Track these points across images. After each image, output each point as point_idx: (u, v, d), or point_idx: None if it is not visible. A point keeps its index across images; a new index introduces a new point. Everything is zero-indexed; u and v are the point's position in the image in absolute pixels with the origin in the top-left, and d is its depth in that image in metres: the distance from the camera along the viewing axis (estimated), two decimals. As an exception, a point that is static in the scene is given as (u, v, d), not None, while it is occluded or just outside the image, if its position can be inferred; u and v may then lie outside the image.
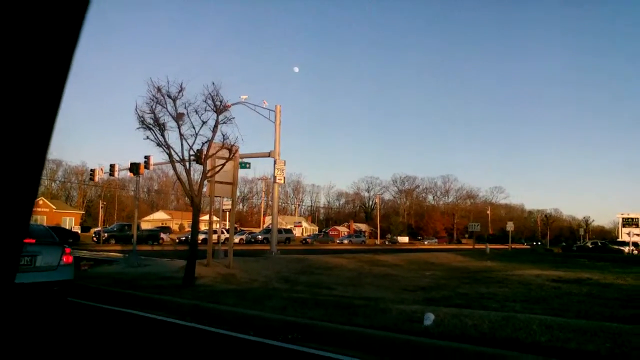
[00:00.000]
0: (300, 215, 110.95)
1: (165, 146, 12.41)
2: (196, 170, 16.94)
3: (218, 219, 28.35)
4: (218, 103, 12.61)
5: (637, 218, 78.80)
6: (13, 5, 0.66)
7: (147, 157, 31.01)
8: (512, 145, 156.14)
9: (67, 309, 9.95)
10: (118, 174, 38.62)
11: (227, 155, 13.90)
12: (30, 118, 0.72)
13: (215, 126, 12.66)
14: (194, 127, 12.43)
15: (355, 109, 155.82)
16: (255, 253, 27.13)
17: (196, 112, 12.39)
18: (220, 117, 12.73)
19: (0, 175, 0.71)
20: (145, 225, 63.44)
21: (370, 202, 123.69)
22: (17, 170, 0.73)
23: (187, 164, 12.72)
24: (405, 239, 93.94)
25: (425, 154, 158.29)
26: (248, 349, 6.67)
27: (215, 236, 22.74)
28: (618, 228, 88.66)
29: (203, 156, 13.10)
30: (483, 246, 52.30)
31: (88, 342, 7.02)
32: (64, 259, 8.88)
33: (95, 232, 46.45)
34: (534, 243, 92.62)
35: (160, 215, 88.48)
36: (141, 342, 7.24)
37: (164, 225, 67.07)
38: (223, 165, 13.89)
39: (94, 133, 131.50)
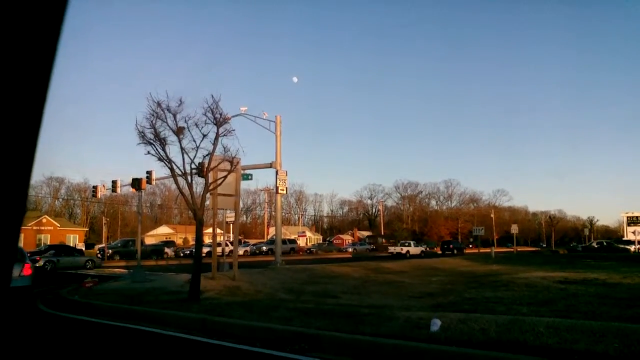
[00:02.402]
0: (303, 225, 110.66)
1: (167, 160, 12.45)
2: (198, 183, 16.94)
3: (222, 232, 28.35)
4: (218, 116, 12.66)
5: (642, 216, 78.58)
6: None
7: (149, 172, 31.15)
8: (514, 148, 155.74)
9: (75, 326, 9.96)
10: (120, 190, 38.82)
11: (228, 167, 13.93)
12: (11, 131, 0.74)
13: (216, 139, 12.71)
14: (194, 141, 12.47)
15: (355, 116, 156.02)
16: (260, 264, 27.11)
17: (196, 125, 12.44)
18: (221, 129, 12.78)
19: None
20: (149, 240, 63.45)
21: (374, 210, 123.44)
22: (5, 183, 0.75)
23: (189, 177, 12.75)
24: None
25: (427, 159, 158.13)
26: (255, 361, 6.66)
27: (219, 249, 22.71)
28: (623, 227, 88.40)
29: (205, 169, 13.14)
30: (488, 250, 52.11)
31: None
32: (24, 271, 11.61)
33: (99, 249, 46.38)
34: (550, 246, 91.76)
35: (163, 230, 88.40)
36: (149, 358, 7.23)
37: (167, 239, 66.99)
38: (225, 177, 13.93)
39: (96, 150, 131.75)
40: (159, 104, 12.18)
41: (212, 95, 12.69)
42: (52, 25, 0.74)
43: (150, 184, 32.63)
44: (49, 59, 0.74)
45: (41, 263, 29.63)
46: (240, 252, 41.24)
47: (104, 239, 68.50)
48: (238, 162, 15.12)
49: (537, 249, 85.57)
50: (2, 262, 0.81)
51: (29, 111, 0.75)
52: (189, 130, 12.42)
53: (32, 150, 0.77)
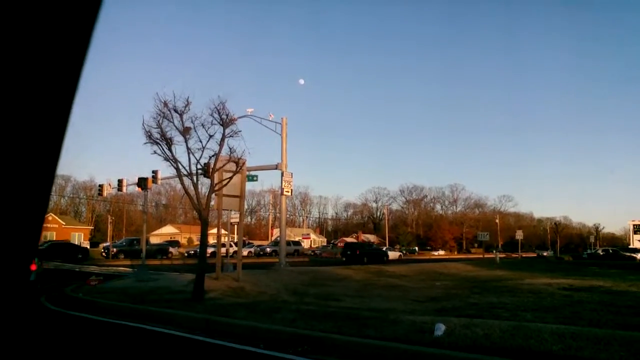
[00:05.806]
0: (308, 227, 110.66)
1: (173, 160, 12.48)
2: (204, 184, 17.02)
3: (226, 232, 28.40)
4: (224, 117, 12.70)
5: (649, 225, 78.06)
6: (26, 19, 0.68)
7: (154, 172, 31.21)
8: (520, 153, 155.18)
9: (79, 324, 9.99)
10: (126, 189, 38.86)
11: (234, 168, 13.96)
12: (40, 132, 0.74)
13: (222, 140, 12.74)
14: (200, 141, 12.51)
15: (361, 119, 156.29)
16: (264, 266, 27.10)
17: (203, 126, 12.48)
18: (227, 130, 12.81)
19: (19, 185, 0.74)
20: (154, 240, 63.55)
21: (378, 213, 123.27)
22: (31, 181, 0.76)
23: (194, 177, 12.78)
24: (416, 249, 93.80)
25: (432, 163, 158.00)
26: (258, 362, 6.65)
27: (223, 249, 22.74)
28: (629, 235, 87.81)
29: (210, 170, 13.16)
30: (492, 255, 51.94)
31: (100, 358, 7.03)
32: None
33: (104, 247, 46.48)
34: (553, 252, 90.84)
35: (168, 230, 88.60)
36: (151, 357, 7.24)
37: (172, 239, 67.11)
38: (230, 178, 13.95)
39: (102, 148, 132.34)
40: (165, 104, 12.23)
41: (219, 96, 12.75)
42: (84, 29, 0.74)
43: (156, 183, 32.66)
44: (79, 63, 0.75)
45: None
46: (245, 253, 41.25)
47: (109, 238, 68.72)
48: (244, 163, 15.15)
49: (544, 254, 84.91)
50: (24, 257, 0.82)
51: (57, 113, 0.76)
52: (195, 131, 12.48)
53: (58, 148, 0.78)
